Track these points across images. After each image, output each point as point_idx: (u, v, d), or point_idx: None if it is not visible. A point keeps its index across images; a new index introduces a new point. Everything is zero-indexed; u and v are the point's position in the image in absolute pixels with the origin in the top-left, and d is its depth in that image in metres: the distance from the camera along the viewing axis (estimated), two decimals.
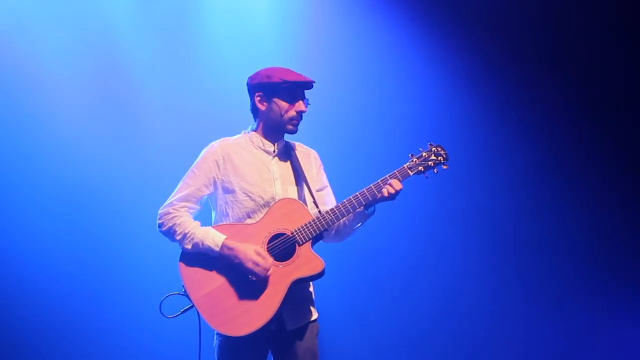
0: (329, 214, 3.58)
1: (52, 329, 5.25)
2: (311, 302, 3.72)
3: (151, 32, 5.42)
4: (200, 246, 3.55)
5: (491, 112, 5.60)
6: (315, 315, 3.73)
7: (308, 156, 3.86)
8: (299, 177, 3.73)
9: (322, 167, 3.90)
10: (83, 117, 5.32)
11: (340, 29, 5.60)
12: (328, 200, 3.83)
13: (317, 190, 3.82)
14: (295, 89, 3.68)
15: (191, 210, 3.67)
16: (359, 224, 3.71)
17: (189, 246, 3.57)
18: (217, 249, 3.53)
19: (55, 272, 5.27)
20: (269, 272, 3.50)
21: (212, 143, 3.77)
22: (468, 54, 5.58)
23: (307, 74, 3.72)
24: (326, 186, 3.87)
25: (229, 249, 3.52)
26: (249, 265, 3.49)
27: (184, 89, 5.43)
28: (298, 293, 3.63)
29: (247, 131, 3.81)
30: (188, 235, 3.58)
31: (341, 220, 3.66)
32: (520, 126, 5.59)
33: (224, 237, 3.55)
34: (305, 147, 3.90)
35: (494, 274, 5.57)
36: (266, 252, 3.53)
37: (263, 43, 5.47)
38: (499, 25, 5.56)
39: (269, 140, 3.76)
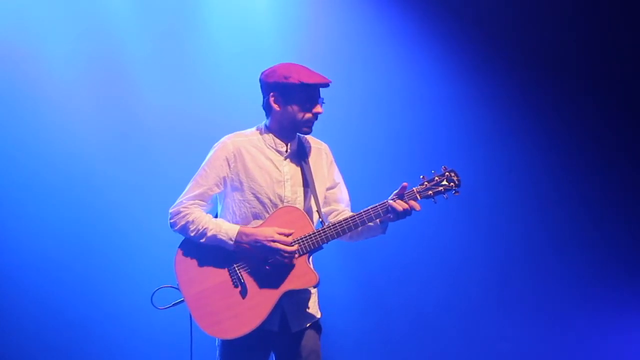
0: (330, 229, 3.51)
1: (46, 322, 5.33)
2: (315, 303, 3.70)
3: (151, 32, 5.38)
4: (215, 240, 3.51)
5: (490, 112, 5.52)
6: (318, 316, 3.70)
7: (319, 152, 3.74)
8: (309, 180, 3.63)
9: (333, 162, 3.78)
10: (82, 117, 5.30)
11: (343, 26, 5.49)
12: (340, 198, 3.75)
13: (328, 189, 3.74)
14: (312, 91, 3.54)
15: (201, 207, 3.61)
16: (375, 234, 3.65)
17: (203, 240, 3.53)
18: (232, 242, 3.48)
19: (54, 267, 5.31)
20: (294, 251, 3.45)
21: (224, 139, 3.65)
22: (475, 52, 5.53)
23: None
24: (338, 183, 3.77)
25: (247, 235, 3.48)
26: (272, 244, 3.44)
27: (184, 88, 5.37)
28: (302, 295, 3.61)
29: (260, 126, 3.69)
30: (201, 230, 3.52)
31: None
32: (519, 127, 5.51)
33: (237, 227, 3.50)
34: (317, 141, 3.77)
35: (499, 276, 5.55)
36: (286, 229, 3.48)
37: (264, 41, 5.36)
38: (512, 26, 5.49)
39: (281, 140, 3.64)
